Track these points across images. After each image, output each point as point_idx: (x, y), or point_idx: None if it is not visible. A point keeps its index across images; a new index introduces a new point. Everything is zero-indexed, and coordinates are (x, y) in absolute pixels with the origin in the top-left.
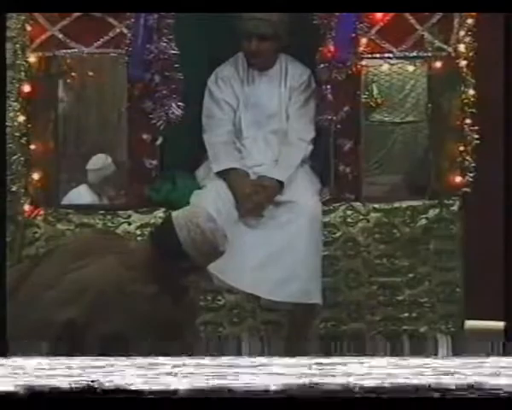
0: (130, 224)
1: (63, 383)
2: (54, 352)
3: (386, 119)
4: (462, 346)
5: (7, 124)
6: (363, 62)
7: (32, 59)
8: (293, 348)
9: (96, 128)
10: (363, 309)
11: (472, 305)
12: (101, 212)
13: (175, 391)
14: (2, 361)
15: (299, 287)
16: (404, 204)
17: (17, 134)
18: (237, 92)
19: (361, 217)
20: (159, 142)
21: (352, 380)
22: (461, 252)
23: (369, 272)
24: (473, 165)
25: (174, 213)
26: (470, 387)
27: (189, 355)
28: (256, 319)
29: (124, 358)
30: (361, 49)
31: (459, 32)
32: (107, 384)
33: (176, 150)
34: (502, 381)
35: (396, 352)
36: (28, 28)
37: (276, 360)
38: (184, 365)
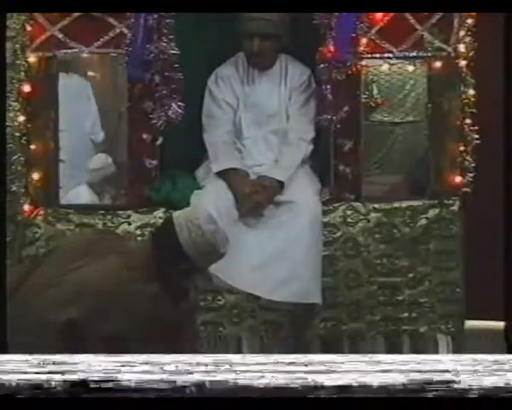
0: (130, 224)
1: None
2: (54, 352)
3: (386, 119)
4: (462, 346)
5: (7, 124)
6: (363, 62)
7: (32, 59)
8: (293, 348)
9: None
10: (362, 309)
11: (472, 305)
12: (101, 212)
13: (170, 389)
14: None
15: (299, 287)
16: (404, 204)
17: (17, 134)
18: (237, 92)
19: (361, 217)
20: (159, 142)
21: (352, 380)
22: (461, 252)
23: (369, 272)
24: (473, 165)
25: (175, 214)
26: (470, 387)
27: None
28: (256, 319)
29: (123, 357)
30: (361, 49)
31: (459, 32)
32: (102, 383)
33: (176, 150)
34: (502, 381)
35: (396, 352)
36: (28, 28)
37: (276, 359)
38: (182, 362)
